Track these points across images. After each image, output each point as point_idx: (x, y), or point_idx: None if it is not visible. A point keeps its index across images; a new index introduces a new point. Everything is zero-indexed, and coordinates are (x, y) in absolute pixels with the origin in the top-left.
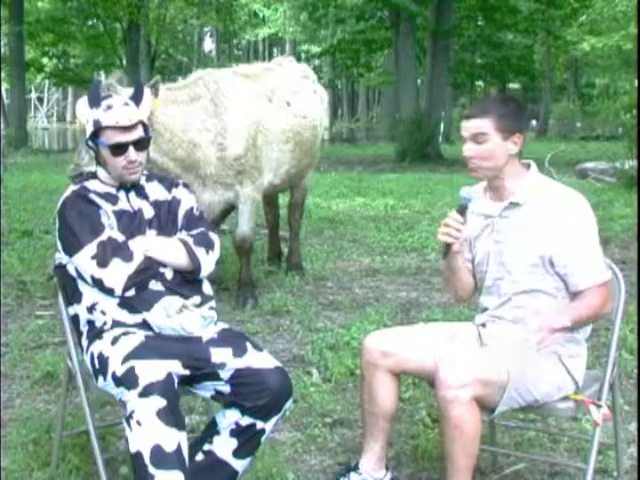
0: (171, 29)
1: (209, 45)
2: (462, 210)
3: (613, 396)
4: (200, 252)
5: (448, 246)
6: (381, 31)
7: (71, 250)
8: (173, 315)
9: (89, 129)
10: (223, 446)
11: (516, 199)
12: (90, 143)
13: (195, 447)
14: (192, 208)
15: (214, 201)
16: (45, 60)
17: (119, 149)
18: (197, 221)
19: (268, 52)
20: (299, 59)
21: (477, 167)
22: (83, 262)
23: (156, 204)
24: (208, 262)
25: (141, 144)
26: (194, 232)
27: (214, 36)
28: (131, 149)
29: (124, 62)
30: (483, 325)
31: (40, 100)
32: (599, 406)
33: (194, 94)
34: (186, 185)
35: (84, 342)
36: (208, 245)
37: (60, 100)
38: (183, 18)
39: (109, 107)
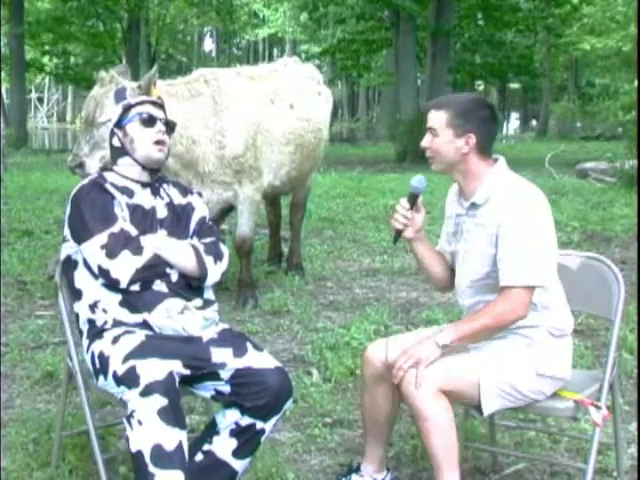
0: (171, 29)
1: (209, 45)
2: (412, 198)
3: (613, 396)
4: (209, 260)
5: (398, 232)
6: (381, 31)
7: (81, 238)
8: (174, 316)
9: (115, 117)
10: (223, 446)
11: (476, 199)
12: (115, 129)
13: (195, 447)
14: (205, 217)
15: (212, 200)
16: (45, 59)
17: (151, 120)
18: (209, 230)
19: (268, 52)
20: (299, 59)
21: (431, 159)
22: (92, 251)
23: (170, 206)
24: (215, 272)
25: (168, 125)
26: (205, 240)
27: (214, 36)
28: (160, 123)
29: (124, 62)
30: None
31: (40, 100)
32: (599, 407)
33: (195, 91)
34: (200, 194)
35: (84, 341)
36: (217, 255)
37: (60, 100)
38: (183, 18)
39: (135, 93)
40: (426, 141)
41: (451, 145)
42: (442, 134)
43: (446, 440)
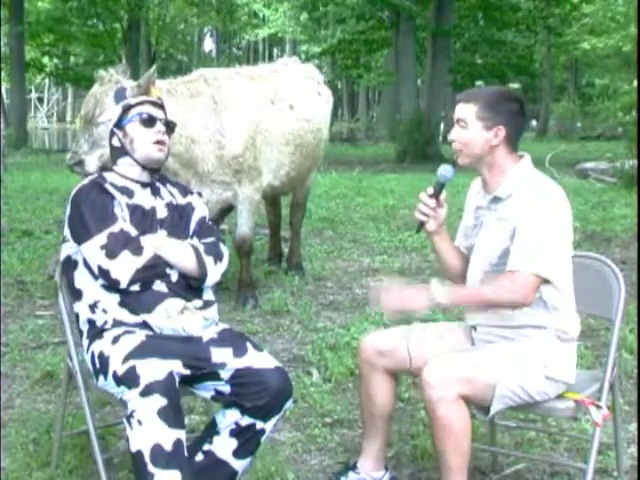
0: (171, 29)
1: (209, 45)
2: (438, 188)
3: (613, 396)
4: (209, 261)
5: (422, 224)
6: (381, 31)
7: (80, 238)
8: (174, 316)
9: (115, 117)
10: (223, 446)
11: (499, 193)
12: (115, 129)
13: (195, 447)
14: (205, 217)
15: (212, 200)
16: (45, 60)
17: (150, 120)
18: (209, 230)
19: (268, 52)
20: (299, 59)
21: (458, 152)
22: (92, 251)
23: (170, 206)
24: (215, 272)
25: (167, 126)
26: (205, 241)
27: (214, 36)
28: (160, 123)
29: (124, 61)
30: (474, 328)
31: (40, 100)
32: (599, 407)
33: (195, 90)
34: (200, 194)
35: (84, 341)
36: (217, 256)
37: (60, 100)
38: (183, 18)
39: (133, 92)
40: (454, 133)
41: (480, 137)
42: (471, 126)
43: (461, 447)
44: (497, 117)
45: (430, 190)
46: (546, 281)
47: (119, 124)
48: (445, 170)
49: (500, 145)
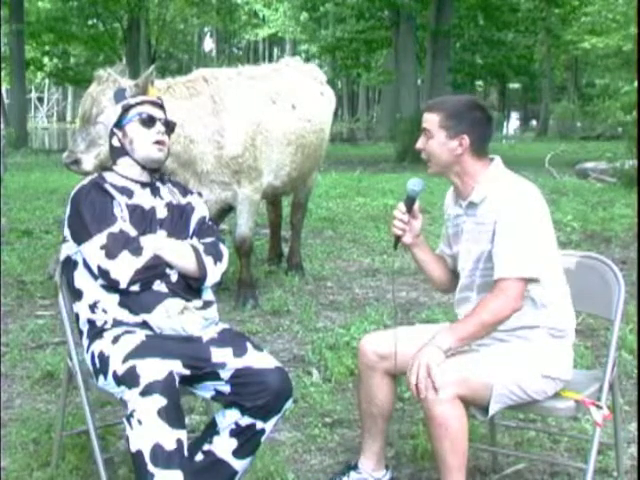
0: (171, 29)
1: (209, 45)
2: (409, 202)
3: (613, 396)
4: (209, 261)
5: (398, 238)
6: (381, 31)
7: (80, 238)
8: (174, 316)
9: (115, 117)
10: (223, 446)
11: (473, 198)
12: (115, 130)
13: (195, 447)
14: (205, 217)
15: (210, 200)
16: (45, 59)
17: (150, 120)
18: (208, 230)
19: (268, 52)
20: (299, 59)
21: (426, 161)
22: (91, 251)
23: (170, 206)
24: (215, 272)
25: (167, 126)
26: (205, 241)
27: (214, 36)
28: (159, 123)
29: (124, 61)
30: None
31: (40, 100)
32: (599, 407)
33: (194, 90)
34: (200, 194)
35: (84, 341)
36: (217, 256)
37: (60, 100)
38: (183, 18)
39: (131, 92)
40: (420, 143)
41: (445, 147)
42: (436, 136)
43: (458, 446)
44: (460, 126)
45: (402, 207)
46: (532, 279)
47: (119, 124)
48: (414, 184)
49: (465, 153)
